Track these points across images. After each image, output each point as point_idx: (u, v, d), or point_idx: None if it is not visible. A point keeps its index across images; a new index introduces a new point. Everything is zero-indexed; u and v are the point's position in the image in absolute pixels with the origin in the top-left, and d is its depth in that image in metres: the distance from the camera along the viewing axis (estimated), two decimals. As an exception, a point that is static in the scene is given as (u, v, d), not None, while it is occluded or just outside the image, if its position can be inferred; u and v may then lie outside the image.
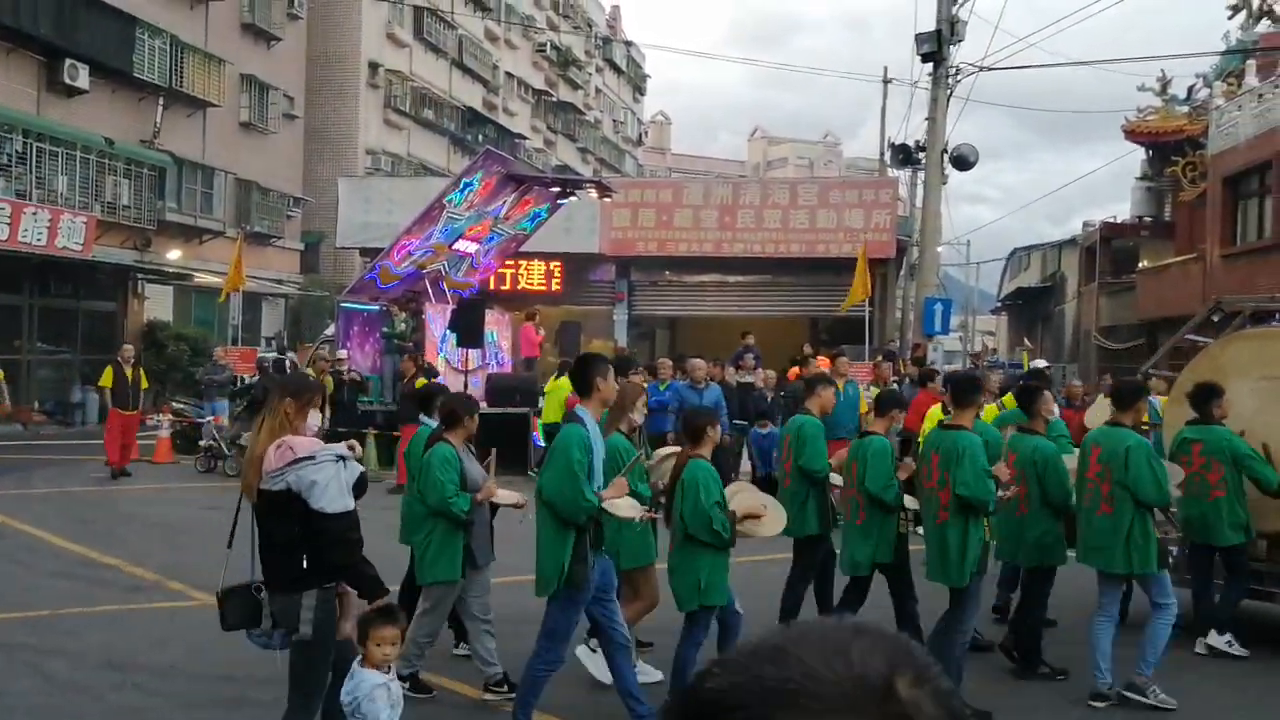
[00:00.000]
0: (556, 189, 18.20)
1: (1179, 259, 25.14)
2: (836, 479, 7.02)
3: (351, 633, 4.50)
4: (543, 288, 23.84)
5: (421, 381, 14.93)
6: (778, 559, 7.68)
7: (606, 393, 5.59)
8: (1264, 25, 25.25)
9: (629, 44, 59.66)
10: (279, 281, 30.04)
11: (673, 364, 14.44)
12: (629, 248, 23.36)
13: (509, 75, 42.67)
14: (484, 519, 6.20)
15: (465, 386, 16.28)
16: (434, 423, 6.55)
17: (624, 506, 5.56)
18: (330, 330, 19.79)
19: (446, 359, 17.60)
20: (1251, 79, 21.87)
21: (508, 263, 21.91)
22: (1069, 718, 6.23)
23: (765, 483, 13.34)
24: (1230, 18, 25.87)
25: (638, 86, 62.45)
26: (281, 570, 4.35)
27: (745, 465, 15.02)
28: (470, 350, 16.78)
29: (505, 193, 17.04)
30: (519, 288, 23.64)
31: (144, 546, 10.34)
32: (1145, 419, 7.98)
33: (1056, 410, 7.89)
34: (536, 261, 23.49)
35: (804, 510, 7.02)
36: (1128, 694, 6.21)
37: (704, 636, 5.79)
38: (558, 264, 23.73)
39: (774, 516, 6.17)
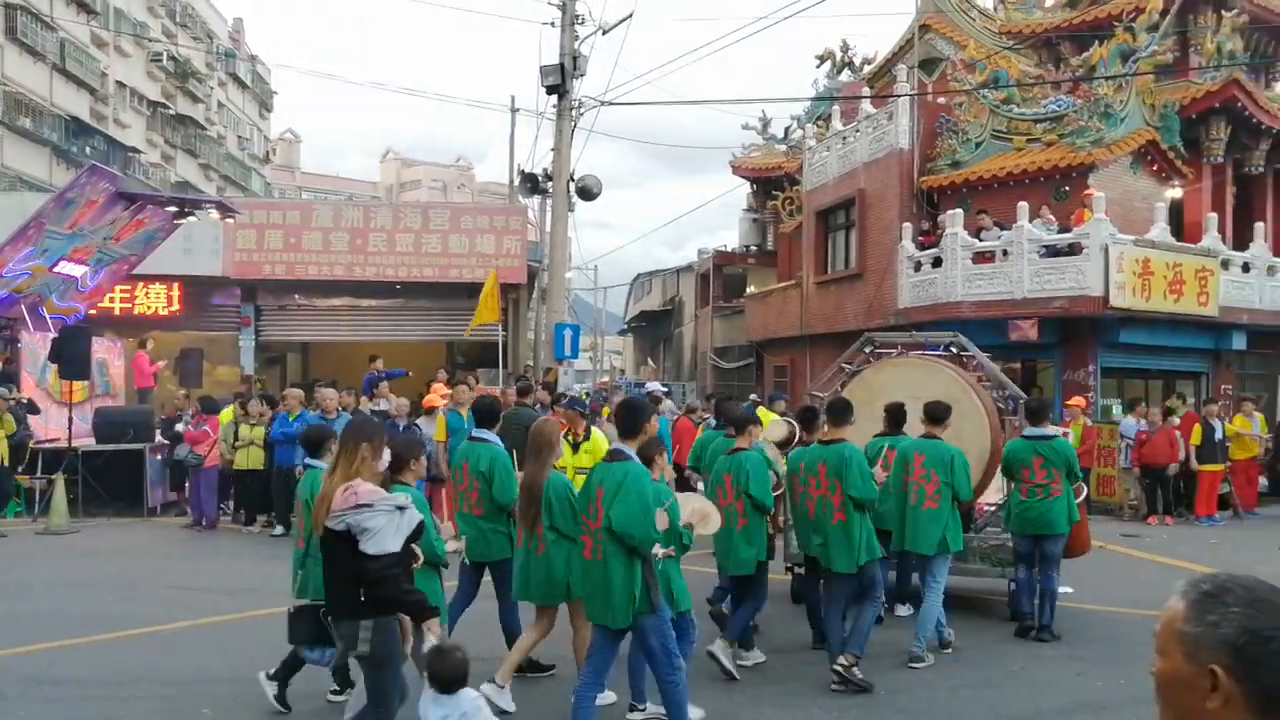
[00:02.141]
0: (173, 208, 17.24)
1: (780, 285, 27.60)
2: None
3: (410, 653, 5.00)
4: (160, 313, 22.46)
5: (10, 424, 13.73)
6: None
7: (651, 432, 6.14)
8: (846, 75, 28.39)
9: (254, 58, 57.25)
10: None
11: (303, 394, 14.18)
12: (255, 270, 22.49)
13: (120, 84, 39.66)
14: None
15: (70, 422, 15.09)
16: (322, 464, 6.50)
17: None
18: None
19: (48, 392, 16.19)
20: (837, 123, 24.40)
21: (120, 286, 20.45)
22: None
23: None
24: (818, 66, 28.90)
25: (264, 102, 59.93)
26: (343, 599, 4.79)
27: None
28: (75, 382, 15.53)
29: (115, 211, 15.93)
30: (133, 313, 22.12)
31: None
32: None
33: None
34: (153, 285, 22.09)
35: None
36: (914, 665, 7.65)
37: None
38: (176, 287, 22.44)
39: (715, 514, 6.95)
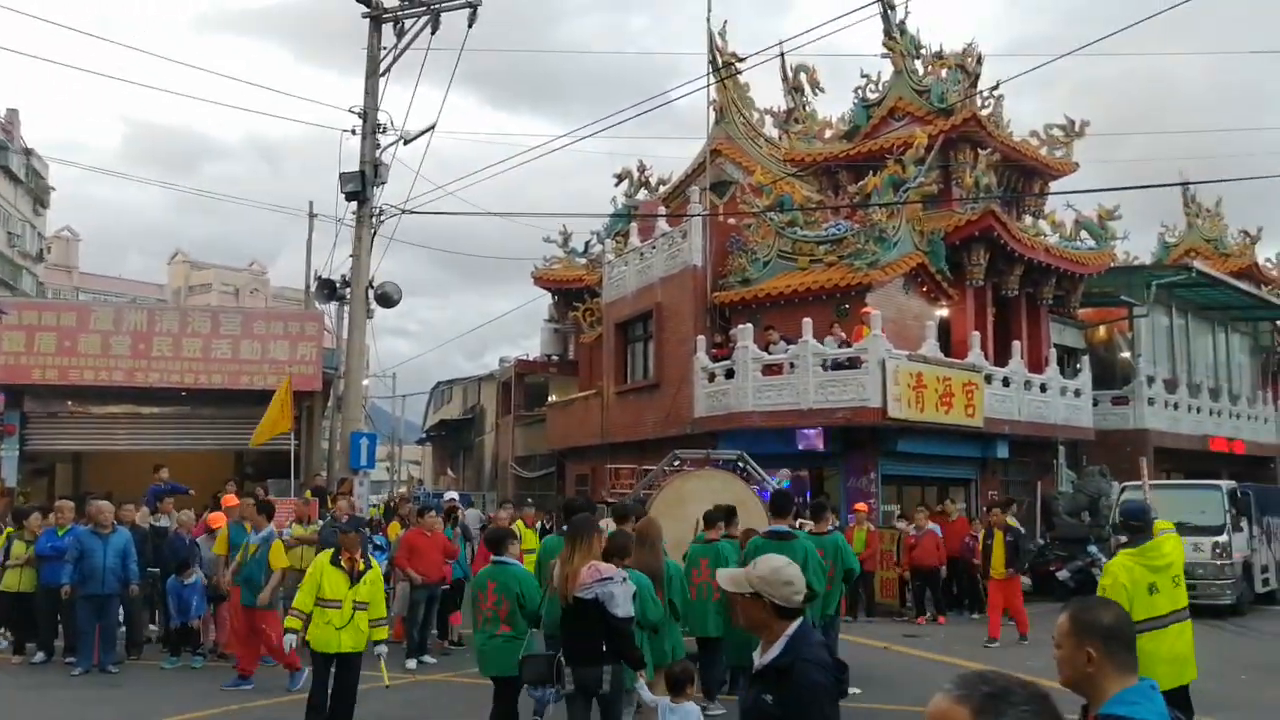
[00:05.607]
0: (-66, 309, 16.15)
1: (582, 394, 27.92)
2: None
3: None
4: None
5: None
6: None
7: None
8: (643, 194, 29.45)
9: (29, 151, 54.41)
10: None
11: (74, 506, 13.34)
12: (23, 375, 21.12)
13: (-126, 173, 36.99)
14: None
15: None
16: (510, 560, 7.59)
17: None
18: None
19: None
20: (635, 239, 25.21)
21: None
22: None
23: (182, 633, 12.57)
24: (617, 185, 29.88)
25: (39, 198, 56.77)
26: (588, 650, 6.29)
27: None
28: None
29: None
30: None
31: None
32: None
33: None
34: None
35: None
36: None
37: None
38: (-68, 393, 20.83)
39: None
